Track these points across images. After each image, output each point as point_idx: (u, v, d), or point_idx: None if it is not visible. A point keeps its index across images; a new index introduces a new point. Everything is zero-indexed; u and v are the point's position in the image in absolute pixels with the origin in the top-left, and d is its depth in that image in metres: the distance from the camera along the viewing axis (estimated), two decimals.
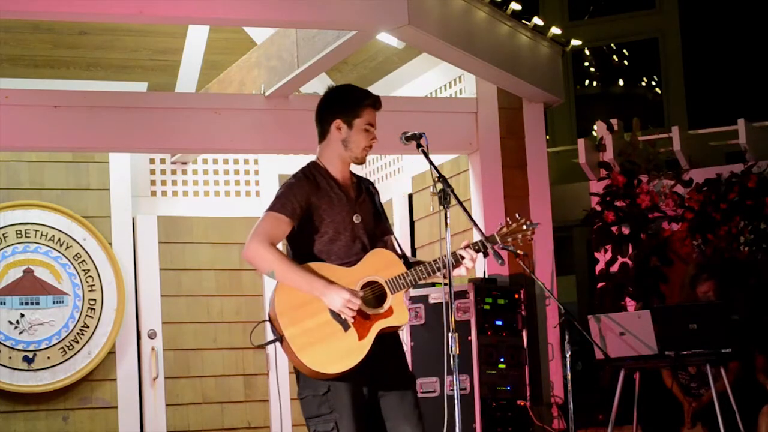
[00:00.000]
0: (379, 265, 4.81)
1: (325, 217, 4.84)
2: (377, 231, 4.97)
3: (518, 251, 5.01)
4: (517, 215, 5.04)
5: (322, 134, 4.95)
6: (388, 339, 4.82)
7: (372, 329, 4.74)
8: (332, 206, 4.86)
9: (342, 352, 4.71)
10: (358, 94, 4.95)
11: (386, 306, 4.77)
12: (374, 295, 4.78)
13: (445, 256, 4.77)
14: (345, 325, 4.72)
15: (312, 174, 4.90)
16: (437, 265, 4.81)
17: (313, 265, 4.78)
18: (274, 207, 4.81)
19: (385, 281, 4.78)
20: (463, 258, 4.83)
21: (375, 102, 4.94)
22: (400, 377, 4.86)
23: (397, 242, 5.05)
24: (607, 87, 16.53)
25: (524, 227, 4.95)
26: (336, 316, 4.71)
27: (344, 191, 4.91)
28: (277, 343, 4.77)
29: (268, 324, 4.79)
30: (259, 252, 4.74)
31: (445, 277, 4.79)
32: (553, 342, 7.64)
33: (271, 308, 4.75)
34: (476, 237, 4.90)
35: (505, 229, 4.94)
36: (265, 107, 7.76)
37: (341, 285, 4.72)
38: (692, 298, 7.48)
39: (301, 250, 4.86)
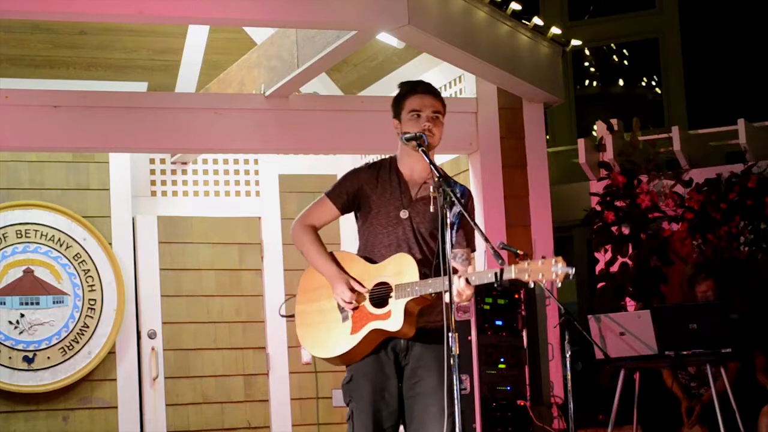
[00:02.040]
0: (396, 269, 4.83)
1: (373, 208, 4.93)
2: (434, 238, 4.87)
3: (518, 251, 4.98)
4: (553, 256, 4.56)
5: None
6: (431, 341, 4.81)
7: (365, 327, 4.81)
8: (383, 198, 4.92)
9: (328, 340, 4.87)
10: (399, 87, 5.03)
11: (386, 309, 4.80)
12: (384, 296, 4.82)
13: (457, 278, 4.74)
14: (344, 316, 4.85)
15: (378, 165, 5.00)
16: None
17: (338, 253, 4.96)
18: (327, 190, 5.03)
19: (395, 285, 4.81)
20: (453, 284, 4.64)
21: (412, 88, 4.98)
22: (434, 378, 4.83)
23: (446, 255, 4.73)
24: (607, 87, 16.52)
25: (552, 269, 4.49)
26: (340, 305, 4.87)
27: (403, 186, 4.94)
28: None
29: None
30: (296, 231, 5.02)
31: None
32: (553, 342, 7.64)
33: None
34: (476, 237, 4.88)
35: (525, 265, 4.57)
36: (265, 107, 7.76)
37: (349, 277, 4.85)
38: (691, 298, 7.49)
39: (359, 238, 5.01)
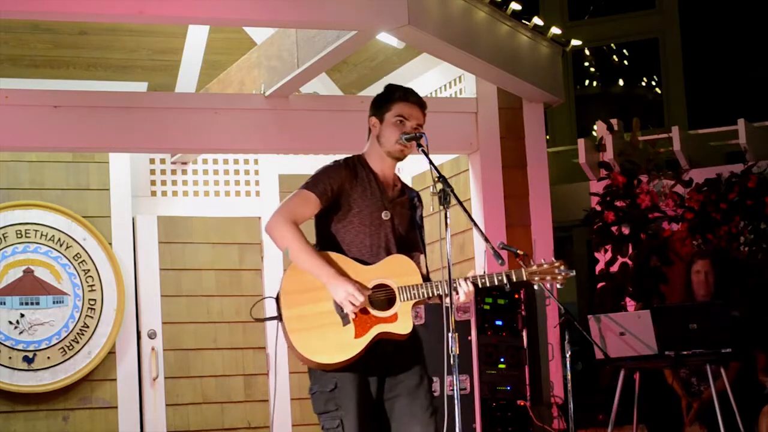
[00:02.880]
0: (396, 271, 4.77)
1: (354, 207, 4.83)
2: (409, 240, 4.92)
3: (518, 251, 5.00)
4: (553, 259, 4.89)
5: (368, 134, 4.98)
6: (406, 339, 4.78)
7: (371, 330, 4.72)
8: (364, 197, 4.85)
9: (334, 345, 4.71)
10: (389, 89, 4.98)
11: (392, 311, 4.74)
12: (383, 298, 4.75)
13: (456, 280, 4.73)
14: (345, 320, 4.72)
15: (353, 163, 4.92)
16: (455, 285, 4.73)
17: (331, 254, 4.78)
18: (307, 185, 4.83)
19: (398, 287, 4.75)
20: (460, 286, 4.74)
21: (404, 94, 4.92)
22: (413, 378, 4.83)
23: (425, 262, 4.97)
24: (607, 87, 16.52)
25: (556, 271, 4.82)
26: (339, 308, 4.71)
27: (381, 187, 4.90)
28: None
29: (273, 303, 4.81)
30: (279, 227, 4.76)
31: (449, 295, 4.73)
32: (553, 342, 7.64)
33: (279, 287, 4.78)
34: (476, 237, 4.89)
35: (535, 267, 4.82)
36: (265, 107, 7.76)
37: (350, 278, 4.71)
38: (688, 288, 7.48)
39: (325, 237, 4.86)
